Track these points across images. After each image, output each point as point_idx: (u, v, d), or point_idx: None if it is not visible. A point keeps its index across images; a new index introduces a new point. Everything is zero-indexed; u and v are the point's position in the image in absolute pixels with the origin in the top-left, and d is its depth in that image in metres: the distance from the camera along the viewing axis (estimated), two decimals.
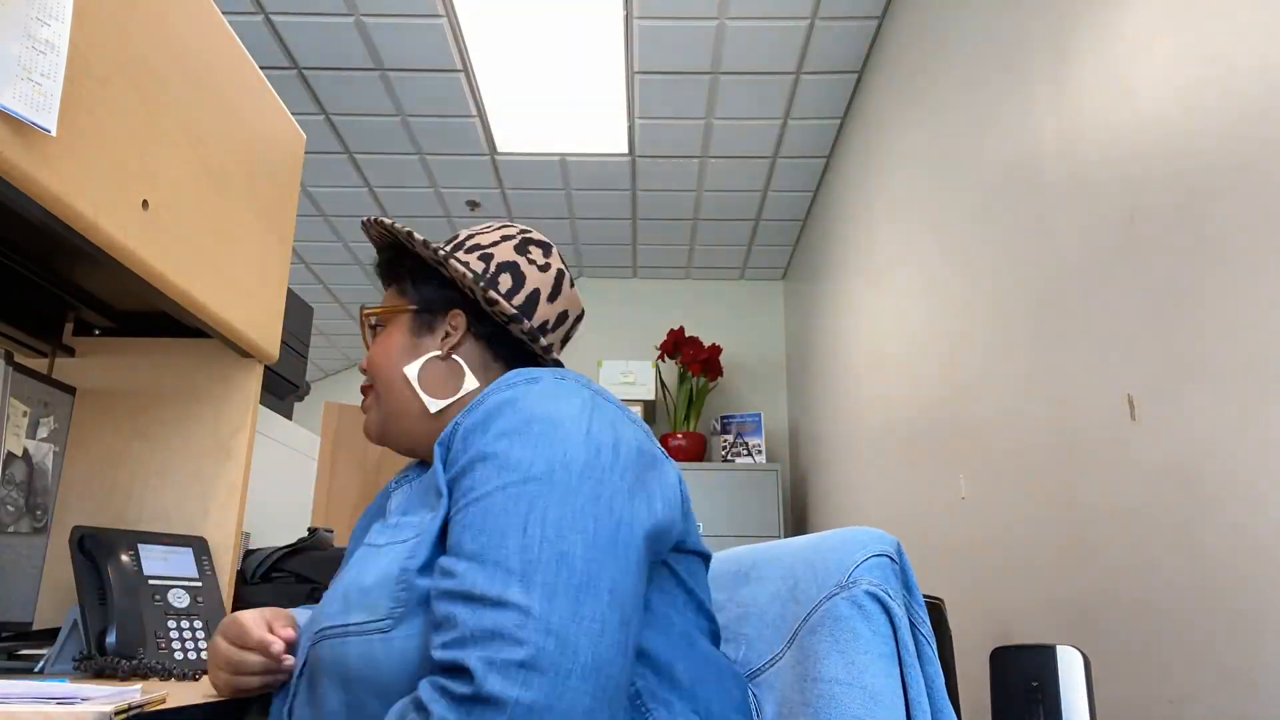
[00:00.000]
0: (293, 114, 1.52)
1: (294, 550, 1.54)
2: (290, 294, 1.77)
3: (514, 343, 1.01)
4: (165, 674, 1.02)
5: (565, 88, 3.27)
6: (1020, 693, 1.10)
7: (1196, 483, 1.23)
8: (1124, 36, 1.44)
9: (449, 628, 0.70)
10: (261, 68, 1.47)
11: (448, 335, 0.99)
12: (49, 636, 1.16)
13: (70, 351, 1.40)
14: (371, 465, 2.25)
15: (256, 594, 1.45)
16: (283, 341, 1.69)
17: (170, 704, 0.74)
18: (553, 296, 1.03)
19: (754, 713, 0.88)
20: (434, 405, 0.97)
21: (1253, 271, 1.12)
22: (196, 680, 1.01)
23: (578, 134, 3.57)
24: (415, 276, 1.02)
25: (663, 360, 4.48)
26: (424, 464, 0.97)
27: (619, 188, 3.99)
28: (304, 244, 4.40)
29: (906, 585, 0.88)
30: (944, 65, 2.32)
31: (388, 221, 1.01)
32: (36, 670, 1.07)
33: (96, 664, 1.00)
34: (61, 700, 0.66)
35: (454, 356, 0.99)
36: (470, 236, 1.04)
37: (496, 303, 0.97)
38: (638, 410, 4.28)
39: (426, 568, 0.78)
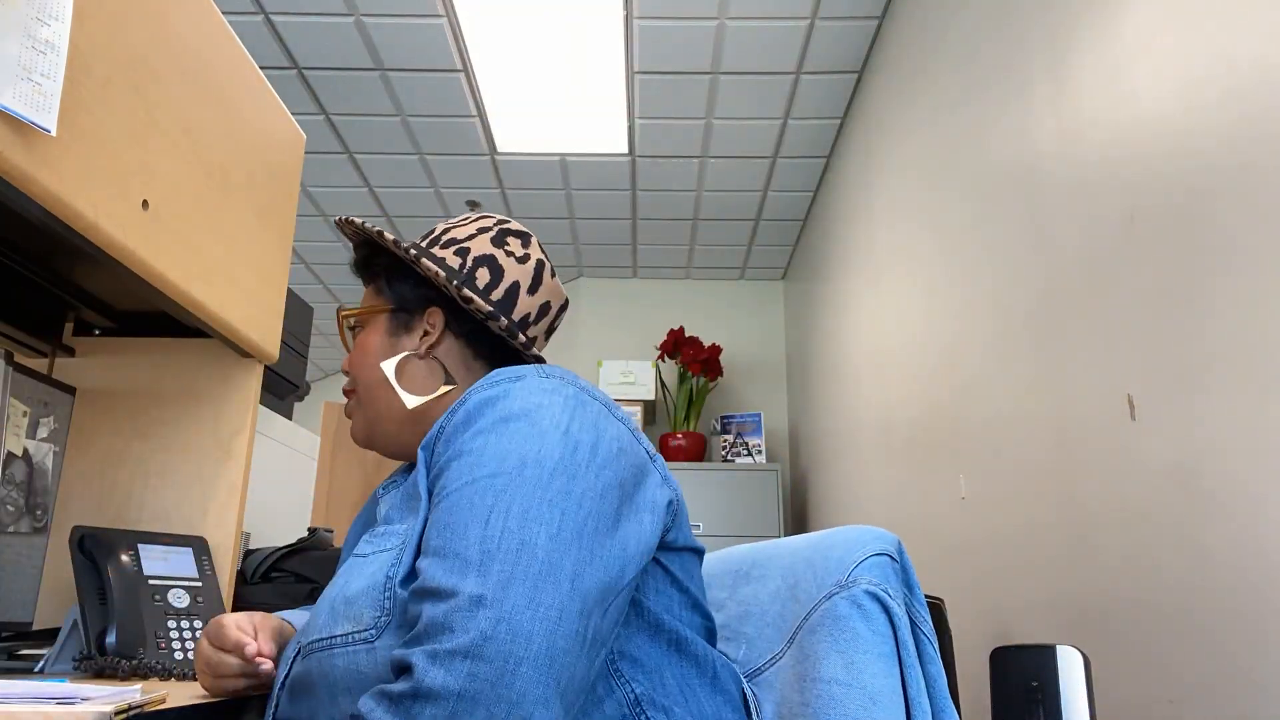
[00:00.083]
0: (293, 114, 1.52)
1: (294, 550, 1.54)
2: (290, 294, 1.77)
3: (494, 339, 0.99)
4: (165, 674, 1.02)
5: (565, 88, 3.27)
6: (1020, 693, 1.10)
7: (1196, 483, 1.23)
8: (1124, 36, 1.44)
9: (413, 627, 0.70)
10: (261, 68, 1.47)
11: (426, 334, 0.98)
12: (49, 636, 1.16)
13: (70, 351, 1.40)
14: (371, 465, 2.25)
15: (256, 594, 1.45)
16: (283, 341, 1.69)
17: (170, 704, 0.74)
18: (533, 288, 1.01)
19: (753, 712, 0.88)
20: (412, 402, 0.95)
21: (1253, 271, 1.12)
22: (196, 680, 1.01)
23: (578, 134, 3.57)
24: (390, 275, 1.01)
25: (663, 360, 4.48)
26: (411, 468, 0.96)
27: (619, 188, 3.99)
28: (304, 244, 4.40)
29: (908, 584, 0.87)
30: (944, 65, 2.32)
31: (358, 220, 1.00)
32: (36, 670, 1.08)
33: (96, 664, 1.00)
34: (61, 700, 0.66)
35: (433, 355, 0.98)
36: (446, 230, 1.02)
37: (472, 300, 0.95)
38: (638, 410, 4.28)
39: (410, 576, 0.76)
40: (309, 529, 1.65)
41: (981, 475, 2.00)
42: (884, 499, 2.86)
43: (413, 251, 0.97)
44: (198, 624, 1.15)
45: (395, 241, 0.98)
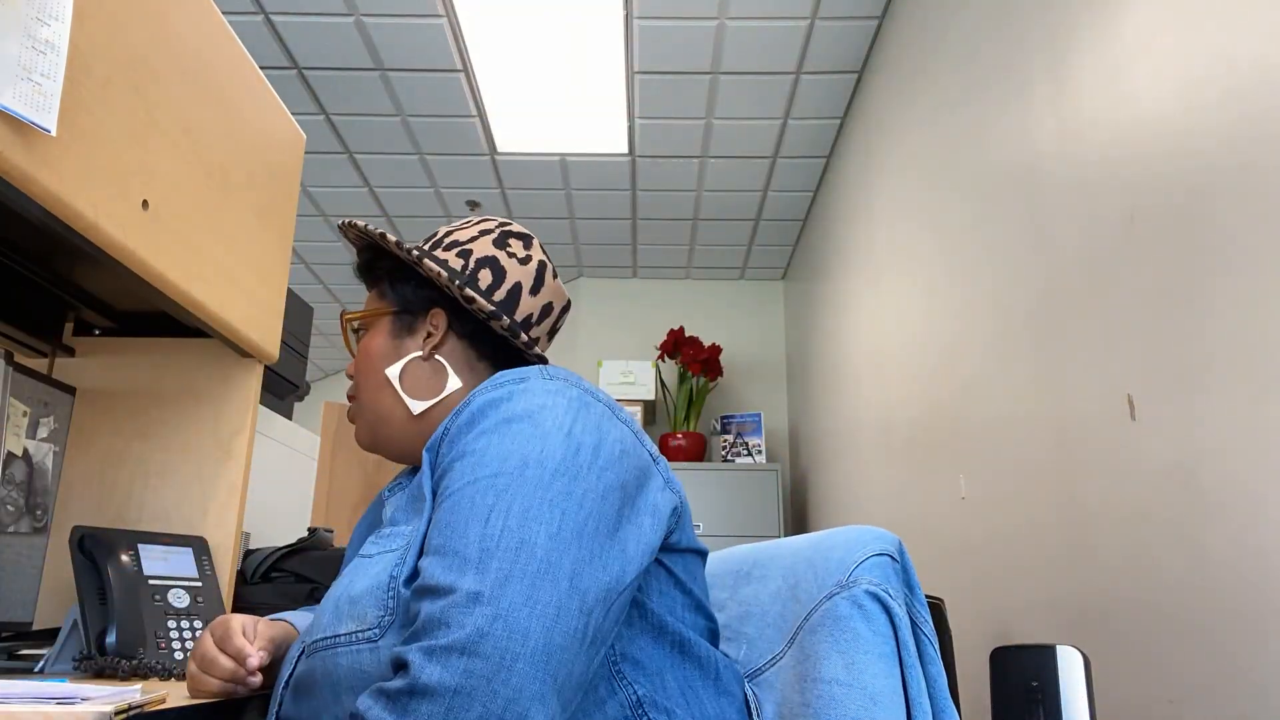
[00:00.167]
0: (293, 114, 1.52)
1: (294, 550, 1.54)
2: (290, 294, 1.77)
3: (497, 340, 1.00)
4: (165, 674, 1.02)
5: (565, 88, 3.27)
6: (1020, 693, 1.10)
7: (1196, 483, 1.23)
8: (1124, 36, 1.44)
9: (413, 625, 0.70)
10: (261, 68, 1.47)
11: (429, 335, 0.98)
12: (49, 636, 1.16)
13: (70, 351, 1.40)
14: (372, 465, 2.25)
15: (256, 594, 1.45)
16: (283, 341, 1.69)
17: (170, 704, 0.74)
18: (535, 289, 1.01)
19: (753, 713, 0.88)
20: (416, 407, 0.96)
21: (1253, 271, 1.12)
22: None
23: (578, 134, 3.57)
24: (393, 278, 1.01)
25: (663, 360, 4.48)
26: (416, 469, 0.96)
27: (619, 188, 3.99)
28: (304, 244, 4.40)
29: (908, 584, 0.87)
30: (944, 65, 2.32)
31: (361, 223, 1.01)
32: (36, 670, 1.07)
33: (96, 664, 1.00)
34: (61, 700, 0.66)
35: (436, 357, 0.98)
36: (449, 233, 1.03)
37: (474, 300, 0.95)
38: (638, 410, 4.28)
39: (414, 576, 0.77)
40: (309, 529, 1.64)
41: (981, 475, 2.00)
42: (884, 499, 2.86)
43: (415, 253, 0.97)
44: (198, 624, 1.15)
45: (398, 244, 0.98)
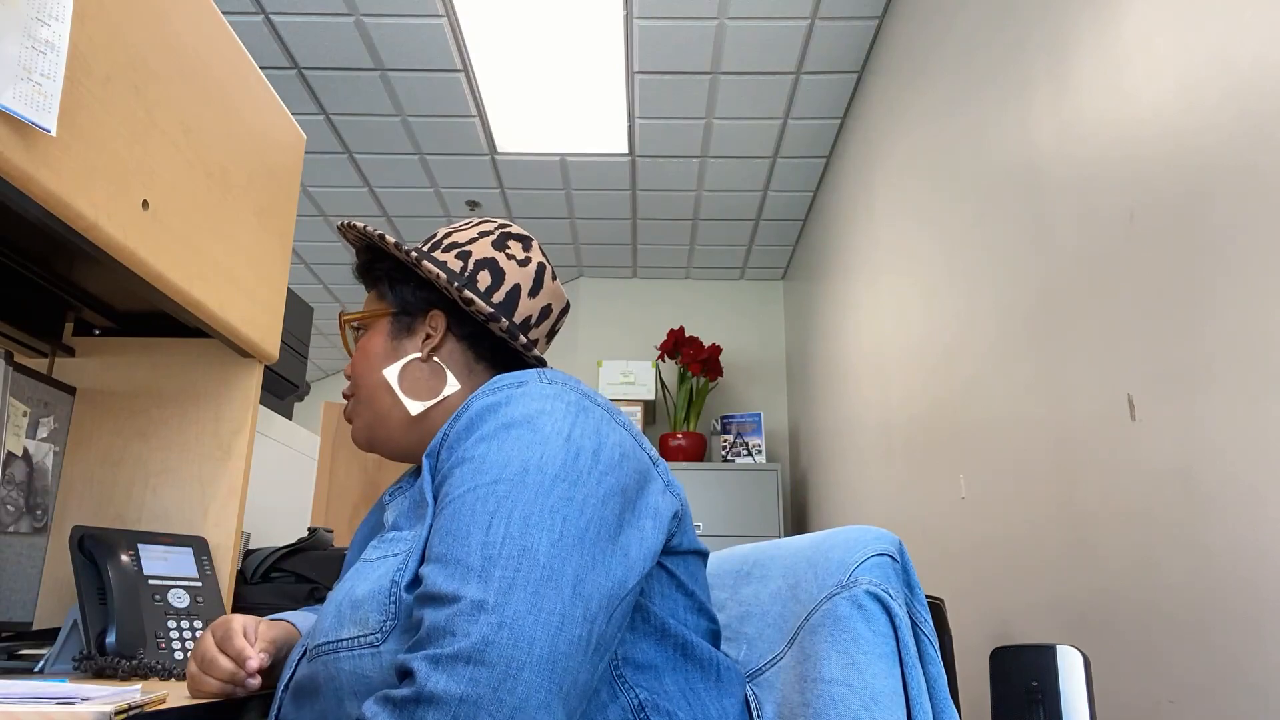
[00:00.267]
0: (293, 114, 1.52)
1: (294, 550, 1.54)
2: (290, 294, 1.77)
3: (496, 342, 0.99)
4: (165, 674, 1.02)
5: (565, 88, 3.27)
6: (1020, 693, 1.10)
7: (1196, 483, 1.23)
8: (1124, 36, 1.44)
9: (416, 632, 0.70)
10: (261, 68, 1.47)
11: (428, 337, 0.98)
12: (49, 636, 1.16)
13: (70, 351, 1.40)
14: (372, 465, 2.25)
15: (256, 594, 1.45)
16: (283, 341, 1.69)
17: (170, 704, 0.74)
18: (534, 291, 1.01)
19: (754, 713, 0.88)
20: (415, 408, 0.96)
21: (1253, 271, 1.12)
22: None
23: (578, 134, 3.57)
24: (393, 279, 1.01)
25: (663, 360, 4.48)
26: (418, 472, 0.96)
27: (619, 188, 3.99)
28: (304, 244, 4.40)
29: (908, 584, 0.87)
30: (944, 65, 2.32)
31: (361, 224, 1.01)
32: (36, 670, 1.07)
33: (96, 664, 1.00)
34: (61, 700, 0.66)
35: (435, 358, 0.98)
36: (448, 235, 1.03)
37: (473, 302, 0.95)
38: (638, 410, 4.28)
39: (416, 581, 0.77)
40: (309, 529, 1.65)
41: (981, 475, 2.00)
42: (884, 499, 2.86)
43: (414, 254, 0.97)
44: (198, 624, 1.15)
45: (397, 245, 0.98)
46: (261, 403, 1.54)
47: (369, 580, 0.80)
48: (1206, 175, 1.22)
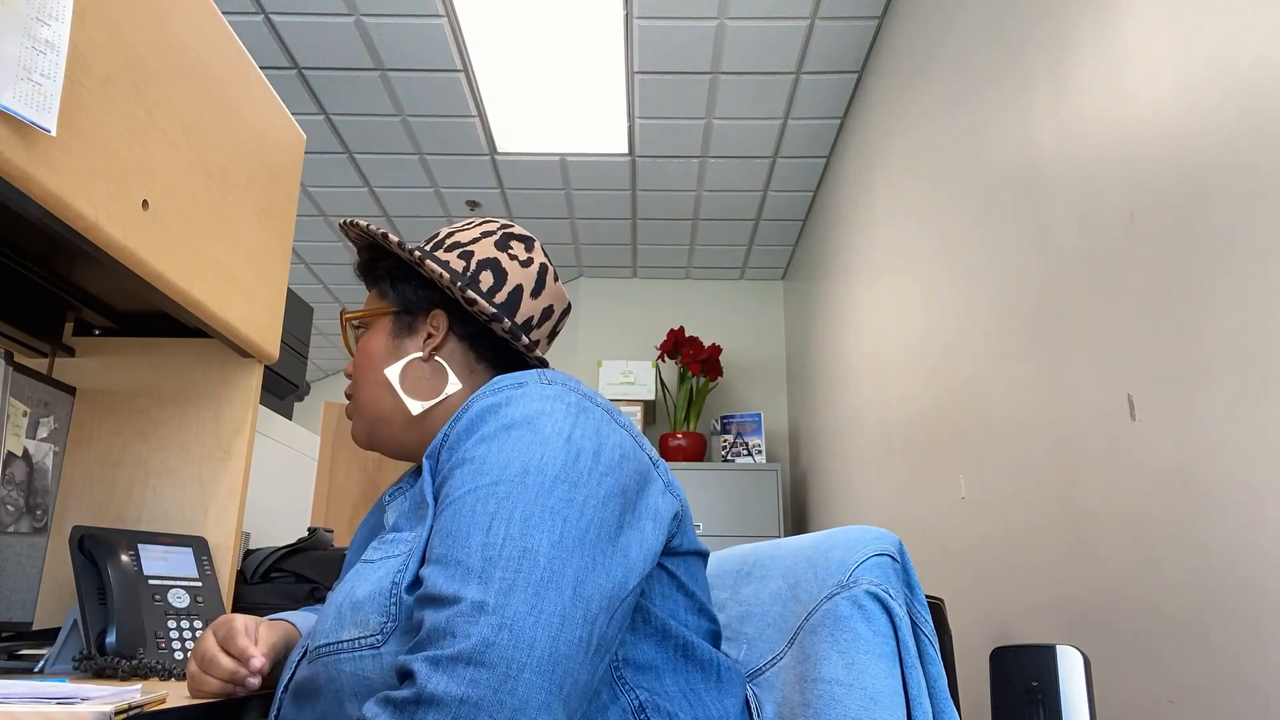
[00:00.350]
0: (293, 114, 1.52)
1: (294, 550, 1.54)
2: (290, 294, 1.77)
3: (497, 342, 0.99)
4: (165, 674, 1.02)
5: (565, 88, 3.27)
6: (1020, 693, 1.10)
7: (1196, 483, 1.23)
8: (1124, 36, 1.44)
9: (417, 634, 0.70)
10: (261, 68, 1.47)
11: (430, 336, 0.98)
12: (49, 636, 1.16)
13: (70, 351, 1.40)
14: (372, 465, 2.25)
15: (256, 594, 1.45)
16: (283, 341, 1.69)
17: (170, 704, 0.74)
18: (536, 292, 1.01)
19: (754, 713, 0.88)
20: (416, 407, 0.96)
21: (1253, 271, 1.12)
22: None
23: (578, 134, 3.57)
24: (394, 278, 1.01)
25: (663, 360, 4.48)
26: (418, 473, 0.96)
27: (619, 188, 3.99)
28: (304, 244, 4.40)
29: (908, 584, 0.87)
30: (944, 65, 2.32)
31: (363, 223, 1.01)
32: (36, 670, 1.07)
33: (96, 664, 1.00)
34: (61, 700, 0.66)
35: (436, 358, 0.97)
36: (450, 234, 1.02)
37: (476, 302, 0.95)
38: (638, 410, 4.28)
39: (416, 583, 0.77)
40: (309, 529, 1.65)
41: (981, 475, 2.00)
42: (884, 499, 2.86)
43: (417, 254, 0.97)
44: (198, 624, 1.15)
45: (399, 244, 0.98)
46: (261, 403, 1.54)
47: (369, 582, 0.80)
48: (1206, 175, 1.22)
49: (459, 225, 1.04)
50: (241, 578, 1.49)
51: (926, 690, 0.82)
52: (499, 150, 3.68)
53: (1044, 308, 1.70)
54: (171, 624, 1.12)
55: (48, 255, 1.14)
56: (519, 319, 0.99)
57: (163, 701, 0.72)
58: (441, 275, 0.95)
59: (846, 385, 3.39)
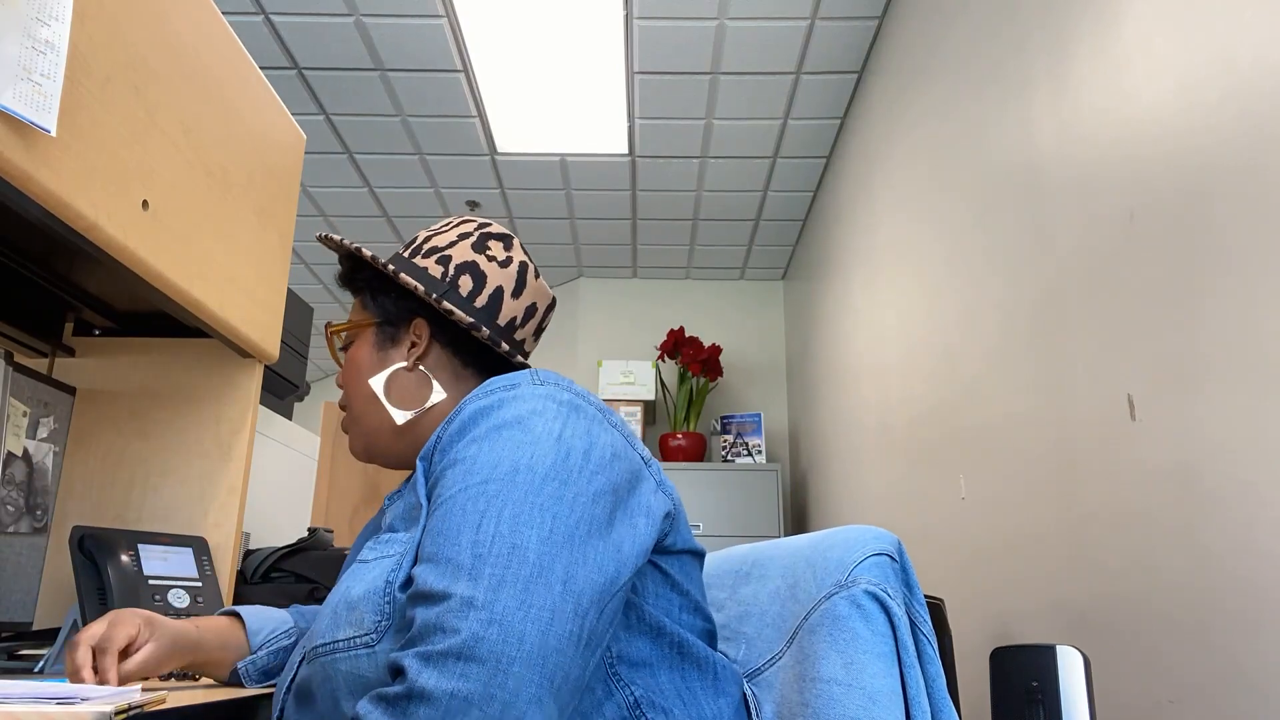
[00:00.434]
0: (293, 114, 1.52)
1: (294, 550, 1.54)
2: (290, 294, 1.77)
3: (481, 346, 0.99)
4: (165, 674, 1.02)
5: (565, 88, 3.27)
6: (1020, 693, 1.10)
7: (1197, 483, 1.23)
8: (1124, 36, 1.44)
9: (409, 631, 0.70)
10: (261, 68, 1.47)
11: (413, 345, 0.98)
12: (49, 636, 1.16)
13: (70, 351, 1.40)
14: (371, 465, 2.25)
15: (256, 594, 1.45)
16: (283, 341, 1.69)
17: (170, 704, 0.74)
18: (517, 291, 1.01)
19: (752, 713, 0.88)
20: (400, 417, 0.96)
21: (1253, 271, 1.12)
22: (196, 680, 1.01)
23: (578, 134, 3.57)
24: (374, 288, 1.01)
25: (663, 360, 4.48)
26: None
27: (619, 188, 3.99)
28: (304, 244, 4.40)
29: (907, 584, 0.87)
30: (944, 65, 2.32)
31: (336, 238, 1.01)
32: (36, 670, 1.07)
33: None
34: (61, 700, 0.66)
35: (421, 367, 0.98)
36: (428, 239, 1.02)
37: (453, 313, 0.95)
38: (638, 410, 4.28)
39: (410, 582, 0.77)
40: (309, 529, 1.65)
41: (981, 475, 2.00)
42: (884, 499, 2.86)
43: (391, 266, 0.97)
44: None
45: (374, 257, 0.98)
46: (261, 403, 1.54)
47: (364, 581, 0.81)
48: (1206, 175, 1.22)
49: (436, 228, 1.04)
50: (241, 578, 1.49)
51: (925, 690, 0.82)
52: (499, 150, 3.68)
53: (1044, 308, 1.70)
54: None
55: (48, 255, 1.14)
56: (501, 321, 0.99)
57: (163, 701, 0.72)
58: (417, 288, 0.95)
59: (846, 385, 3.39)
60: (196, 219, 1.18)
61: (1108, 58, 1.49)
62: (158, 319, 1.31)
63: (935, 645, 0.85)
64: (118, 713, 0.63)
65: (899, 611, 0.83)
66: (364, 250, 0.98)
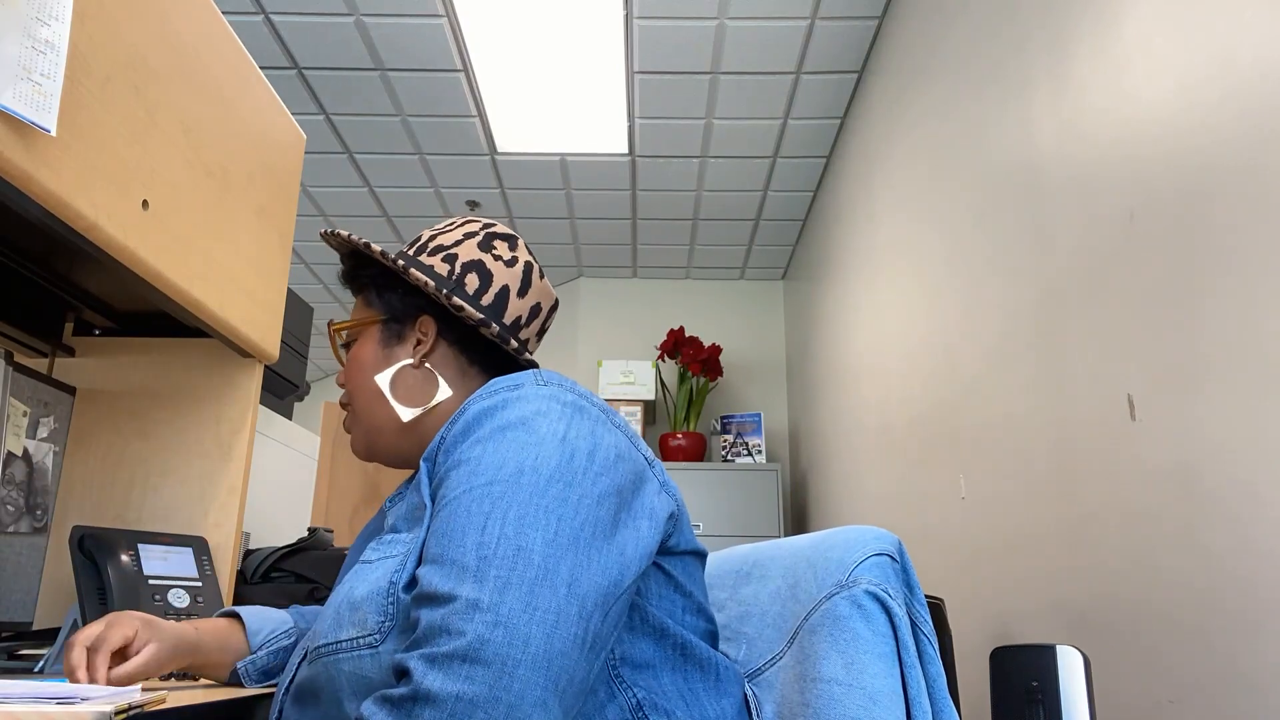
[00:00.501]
0: (293, 114, 1.52)
1: (294, 550, 1.54)
2: (290, 294, 1.77)
3: (487, 345, 0.99)
4: (165, 674, 1.02)
5: (565, 88, 3.27)
6: (1020, 693, 1.10)
7: (1197, 483, 1.23)
8: (1124, 36, 1.44)
9: (413, 633, 0.70)
10: (261, 68, 1.47)
11: (419, 343, 0.98)
12: (49, 636, 1.16)
13: (70, 351, 1.40)
14: (372, 465, 2.25)
15: (256, 594, 1.45)
16: (283, 341, 1.69)
17: (170, 704, 0.74)
18: (523, 291, 1.01)
19: (753, 713, 0.88)
20: (407, 414, 0.95)
21: (1253, 271, 1.12)
22: (196, 680, 1.01)
23: (578, 134, 3.57)
24: (379, 285, 1.01)
25: (663, 360, 4.48)
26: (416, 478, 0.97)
27: (619, 188, 3.99)
28: (304, 244, 4.40)
29: (908, 584, 0.87)
30: (944, 65, 2.32)
31: (344, 233, 1.00)
32: (36, 670, 1.07)
33: None
34: (61, 700, 0.66)
35: (426, 364, 0.97)
36: (433, 237, 1.02)
37: (463, 308, 0.95)
38: (638, 410, 4.28)
39: (414, 582, 0.77)
40: (309, 529, 1.65)
41: (981, 475, 2.00)
42: (884, 499, 2.86)
43: (400, 262, 0.97)
44: None
45: (383, 252, 0.98)
46: (261, 403, 1.54)
47: (367, 582, 0.80)
48: (1206, 175, 1.22)
49: (440, 227, 1.04)
50: (241, 578, 1.49)
51: (926, 690, 0.82)
52: (499, 150, 3.68)
53: (1044, 308, 1.70)
54: None
55: (48, 255, 1.14)
56: (507, 320, 0.99)
57: (163, 701, 0.72)
58: (427, 283, 0.95)
59: (846, 385, 3.39)
60: (196, 219, 1.18)
61: (1108, 58, 1.49)
62: (158, 319, 1.31)
63: (936, 645, 0.85)
64: (118, 713, 0.63)
65: (900, 611, 0.83)
66: (373, 246, 0.98)
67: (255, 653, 0.97)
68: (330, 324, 1.04)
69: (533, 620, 0.67)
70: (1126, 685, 1.37)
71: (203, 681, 1.00)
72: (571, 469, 0.77)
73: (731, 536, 3.90)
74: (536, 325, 1.03)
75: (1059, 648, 1.10)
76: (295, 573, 1.50)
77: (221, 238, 1.25)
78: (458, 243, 1.00)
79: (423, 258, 0.99)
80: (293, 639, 1.01)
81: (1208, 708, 1.19)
